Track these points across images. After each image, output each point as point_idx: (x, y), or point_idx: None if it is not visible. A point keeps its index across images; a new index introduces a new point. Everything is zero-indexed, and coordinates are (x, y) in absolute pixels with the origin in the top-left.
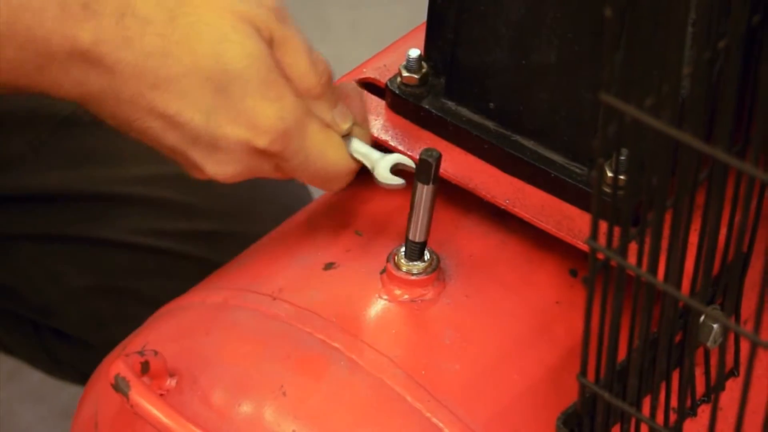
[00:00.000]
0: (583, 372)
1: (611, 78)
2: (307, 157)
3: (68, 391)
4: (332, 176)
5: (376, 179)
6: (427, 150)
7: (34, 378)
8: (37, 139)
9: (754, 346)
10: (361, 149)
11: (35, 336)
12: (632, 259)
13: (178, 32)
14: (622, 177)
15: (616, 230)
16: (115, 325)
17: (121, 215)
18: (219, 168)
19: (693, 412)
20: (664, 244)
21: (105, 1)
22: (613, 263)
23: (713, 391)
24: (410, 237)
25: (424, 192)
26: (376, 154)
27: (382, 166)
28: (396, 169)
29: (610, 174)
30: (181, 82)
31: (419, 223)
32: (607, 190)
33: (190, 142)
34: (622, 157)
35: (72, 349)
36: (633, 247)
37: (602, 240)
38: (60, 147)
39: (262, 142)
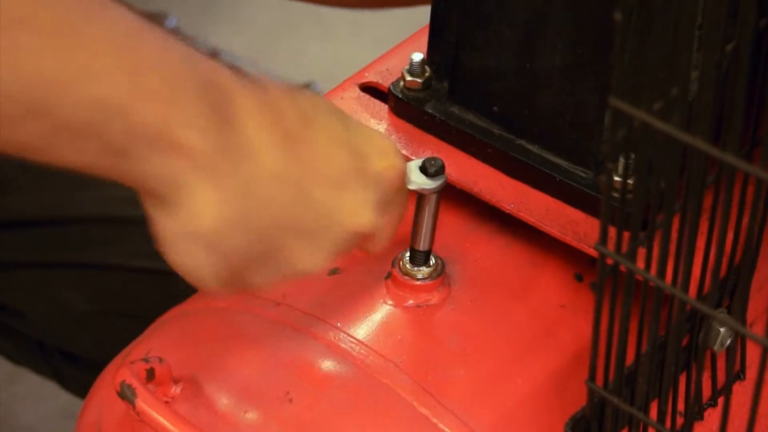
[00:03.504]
0: (592, 377)
1: (621, 82)
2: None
3: None
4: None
5: (411, 186)
6: (430, 159)
7: (35, 378)
8: (30, 162)
9: (766, 350)
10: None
11: (41, 355)
12: (640, 263)
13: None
14: (630, 181)
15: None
16: (120, 346)
17: (118, 239)
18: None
19: (700, 415)
20: (672, 247)
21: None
22: (622, 268)
23: (722, 394)
24: (414, 246)
25: (427, 201)
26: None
27: (414, 172)
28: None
29: (617, 178)
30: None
31: (423, 231)
32: (615, 194)
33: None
34: (630, 161)
35: (78, 367)
36: (639, 251)
37: (610, 244)
38: (53, 170)
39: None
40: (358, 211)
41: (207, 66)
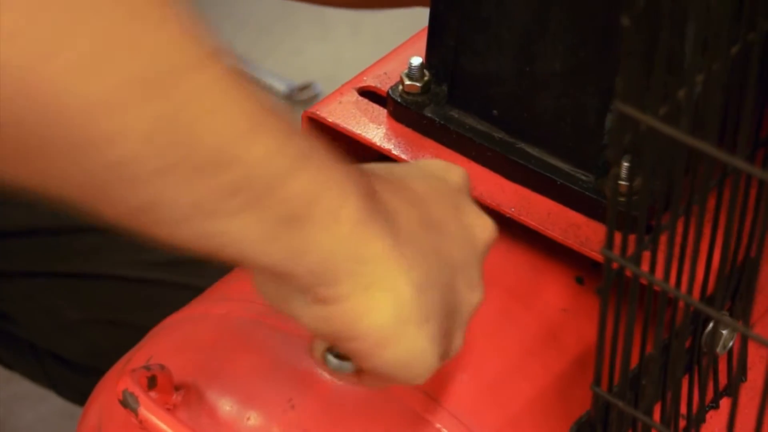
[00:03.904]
0: (597, 381)
1: (627, 87)
2: None
3: None
4: None
5: None
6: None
7: None
8: None
9: None
10: None
11: (35, 359)
12: (644, 266)
13: None
14: (625, 183)
15: (619, 236)
16: (113, 354)
17: (108, 248)
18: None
19: (702, 418)
20: (676, 251)
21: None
22: (627, 272)
23: (723, 396)
24: None
25: None
26: None
27: None
28: None
29: (622, 182)
30: None
31: None
32: (620, 199)
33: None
34: (633, 164)
35: (71, 373)
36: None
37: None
38: None
39: None
40: (480, 222)
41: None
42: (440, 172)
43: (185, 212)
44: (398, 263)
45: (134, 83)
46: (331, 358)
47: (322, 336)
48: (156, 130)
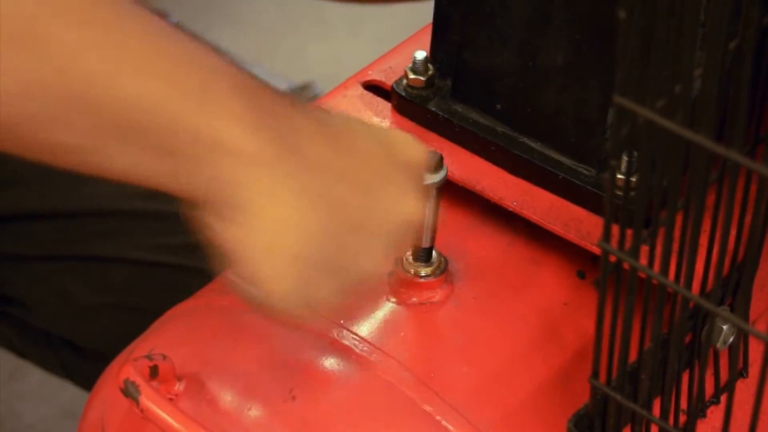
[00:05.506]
0: (595, 374)
1: (625, 80)
2: None
3: (69, 390)
4: None
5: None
6: (429, 152)
7: (35, 377)
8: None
9: None
10: None
11: (48, 347)
12: (642, 260)
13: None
14: (633, 179)
15: (618, 230)
16: (126, 339)
17: (122, 231)
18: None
19: (702, 413)
20: (675, 245)
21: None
22: (625, 265)
23: (725, 391)
24: (416, 243)
25: (428, 196)
26: None
27: None
28: None
29: (620, 176)
30: None
31: (425, 228)
32: (618, 192)
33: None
34: (634, 159)
35: (85, 359)
36: (642, 248)
37: (613, 242)
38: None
39: None
40: (406, 201)
41: (238, 70)
42: (397, 145)
43: (54, 151)
44: (290, 200)
45: None
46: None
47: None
48: (17, 78)
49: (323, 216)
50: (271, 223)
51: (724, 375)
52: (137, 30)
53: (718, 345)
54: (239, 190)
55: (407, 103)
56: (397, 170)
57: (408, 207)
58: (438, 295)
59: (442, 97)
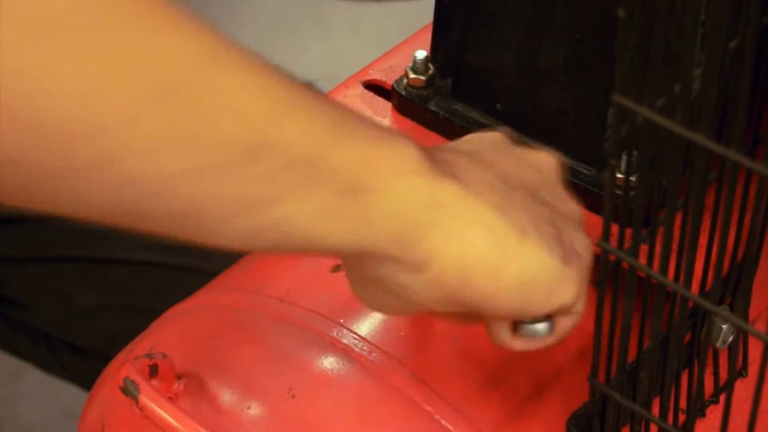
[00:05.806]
0: (594, 373)
1: (625, 79)
2: None
3: (69, 391)
4: None
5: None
6: None
7: (35, 378)
8: None
9: None
10: None
11: (48, 348)
12: (642, 259)
13: None
14: (632, 178)
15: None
16: (126, 339)
17: (122, 232)
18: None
19: (702, 412)
20: (674, 245)
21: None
22: (624, 265)
23: (724, 391)
24: None
25: None
26: None
27: None
28: None
29: (620, 175)
30: None
31: None
32: (618, 191)
33: None
34: (633, 159)
35: (84, 359)
36: (641, 248)
37: (612, 241)
38: None
39: None
40: (570, 201)
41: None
42: (523, 152)
43: (228, 209)
44: (468, 195)
45: (139, 95)
46: (527, 327)
47: (442, 305)
48: (171, 134)
49: (501, 191)
50: (474, 224)
51: (723, 374)
52: (265, 71)
53: (718, 344)
54: (431, 211)
55: (408, 102)
56: (541, 175)
57: (575, 205)
58: None
59: (443, 96)
